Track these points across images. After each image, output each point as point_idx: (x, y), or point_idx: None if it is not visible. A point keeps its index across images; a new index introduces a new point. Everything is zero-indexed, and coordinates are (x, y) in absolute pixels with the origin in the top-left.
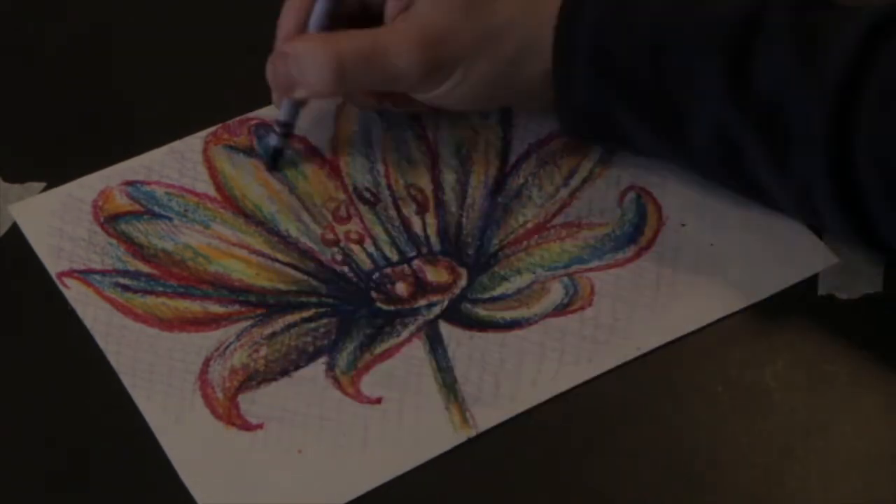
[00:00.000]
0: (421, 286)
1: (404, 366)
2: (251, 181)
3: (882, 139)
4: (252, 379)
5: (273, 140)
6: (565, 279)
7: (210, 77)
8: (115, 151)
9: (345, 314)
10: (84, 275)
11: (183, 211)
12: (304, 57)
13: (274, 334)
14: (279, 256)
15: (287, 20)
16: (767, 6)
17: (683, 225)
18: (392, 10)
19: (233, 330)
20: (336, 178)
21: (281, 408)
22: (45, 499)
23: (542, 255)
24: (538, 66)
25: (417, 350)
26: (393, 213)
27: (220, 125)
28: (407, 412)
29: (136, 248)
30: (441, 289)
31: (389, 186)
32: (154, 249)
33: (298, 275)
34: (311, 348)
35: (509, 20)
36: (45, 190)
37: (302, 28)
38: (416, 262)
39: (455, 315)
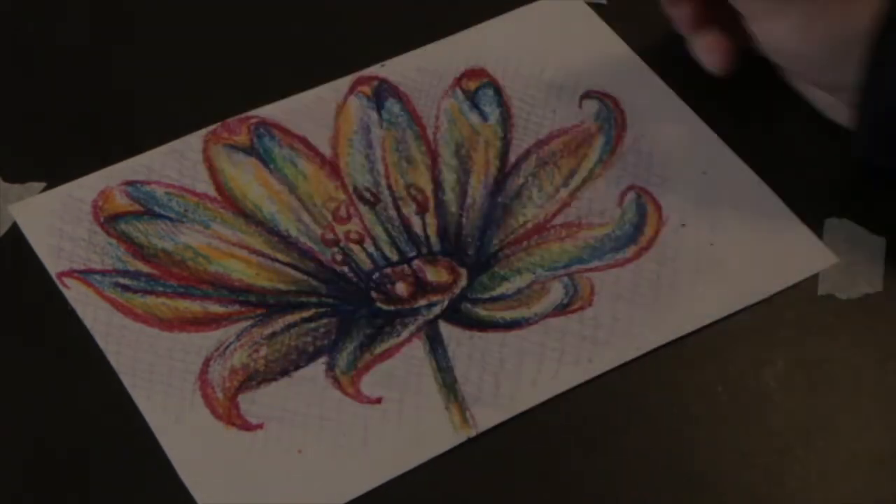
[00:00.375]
0: (421, 286)
1: (404, 366)
2: (251, 181)
3: None
4: (252, 379)
5: None
6: (565, 279)
7: (210, 76)
8: (115, 151)
9: (345, 314)
10: (84, 275)
11: (183, 211)
12: None
13: (274, 334)
14: (279, 256)
15: None
16: None
17: (683, 225)
18: None
19: (233, 330)
20: (336, 178)
21: (281, 408)
22: (46, 499)
23: (542, 255)
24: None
25: (417, 350)
26: (393, 213)
27: (219, 123)
28: (407, 412)
29: (136, 248)
30: (441, 289)
31: (389, 186)
32: (154, 249)
33: (298, 275)
34: (311, 348)
35: None
36: (45, 190)
37: None
38: (416, 262)
39: (455, 315)
